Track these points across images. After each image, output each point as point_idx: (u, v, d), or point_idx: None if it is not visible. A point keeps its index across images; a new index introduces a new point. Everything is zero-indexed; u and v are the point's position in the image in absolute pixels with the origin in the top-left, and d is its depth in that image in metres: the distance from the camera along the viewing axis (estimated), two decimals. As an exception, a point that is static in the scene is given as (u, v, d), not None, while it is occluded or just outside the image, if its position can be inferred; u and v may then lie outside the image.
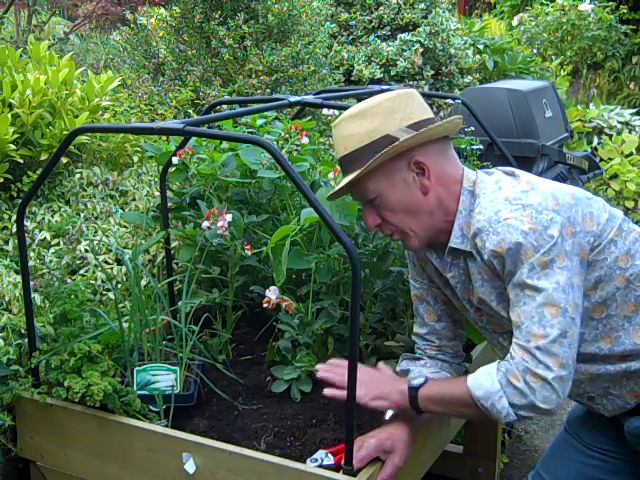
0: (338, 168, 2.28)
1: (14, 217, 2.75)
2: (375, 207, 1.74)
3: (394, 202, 1.72)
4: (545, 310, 1.59)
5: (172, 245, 2.65)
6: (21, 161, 2.86)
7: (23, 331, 2.18)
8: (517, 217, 1.61)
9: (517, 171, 1.78)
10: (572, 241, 1.63)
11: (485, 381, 1.64)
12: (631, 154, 5.43)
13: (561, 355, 1.58)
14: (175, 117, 3.98)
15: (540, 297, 1.59)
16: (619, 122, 6.12)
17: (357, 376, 1.75)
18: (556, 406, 1.59)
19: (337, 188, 1.78)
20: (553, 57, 8.24)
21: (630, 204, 5.09)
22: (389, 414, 1.91)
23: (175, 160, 2.47)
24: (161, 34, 4.81)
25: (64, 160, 3.08)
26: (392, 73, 5.76)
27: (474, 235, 1.68)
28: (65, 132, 2.92)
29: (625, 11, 9.14)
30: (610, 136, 5.84)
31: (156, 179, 3.17)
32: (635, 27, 9.57)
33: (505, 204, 1.65)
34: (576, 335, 1.62)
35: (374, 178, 1.70)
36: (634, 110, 6.63)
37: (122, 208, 3.08)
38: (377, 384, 1.82)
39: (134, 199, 3.15)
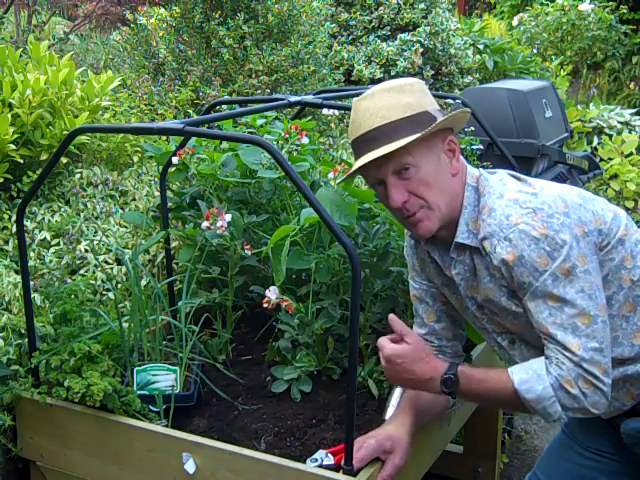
0: (338, 168, 2.29)
1: (14, 217, 2.75)
2: (405, 181, 1.68)
3: (430, 176, 1.68)
4: (577, 320, 1.59)
5: (172, 245, 2.65)
6: (21, 161, 2.86)
7: (23, 331, 2.18)
8: (528, 222, 1.60)
9: (521, 175, 1.78)
10: (587, 240, 1.63)
11: (536, 385, 1.62)
12: (631, 154, 5.43)
13: (603, 362, 1.60)
14: (175, 117, 3.99)
15: (569, 308, 1.59)
16: (619, 122, 6.12)
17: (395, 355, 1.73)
18: (603, 409, 1.62)
19: (374, 156, 1.65)
20: (553, 57, 8.24)
21: (630, 204, 5.09)
22: (389, 414, 1.91)
23: (175, 160, 2.47)
24: (161, 34, 4.81)
25: (64, 160, 3.08)
26: (392, 73, 5.76)
27: (483, 238, 1.67)
28: (65, 132, 2.92)
29: (625, 11, 9.14)
30: (610, 136, 5.83)
31: (156, 179, 3.17)
32: (635, 27, 9.57)
33: (515, 207, 1.64)
34: (609, 338, 1.63)
35: (416, 149, 1.66)
36: (634, 110, 6.63)
37: (122, 208, 3.08)
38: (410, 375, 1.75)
39: (134, 199, 3.15)
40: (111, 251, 2.76)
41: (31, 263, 2.59)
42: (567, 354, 1.60)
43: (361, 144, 1.69)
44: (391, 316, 1.82)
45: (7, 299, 2.38)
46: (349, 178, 1.85)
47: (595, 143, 5.97)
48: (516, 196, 1.67)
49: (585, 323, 1.59)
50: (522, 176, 1.78)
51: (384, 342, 1.77)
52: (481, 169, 1.81)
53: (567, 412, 1.62)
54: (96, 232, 2.83)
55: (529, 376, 1.64)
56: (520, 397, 1.63)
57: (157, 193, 3.02)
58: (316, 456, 1.78)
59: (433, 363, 1.74)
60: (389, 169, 1.68)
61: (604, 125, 6.07)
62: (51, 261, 2.65)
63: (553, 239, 1.59)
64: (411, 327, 2.06)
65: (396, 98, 1.68)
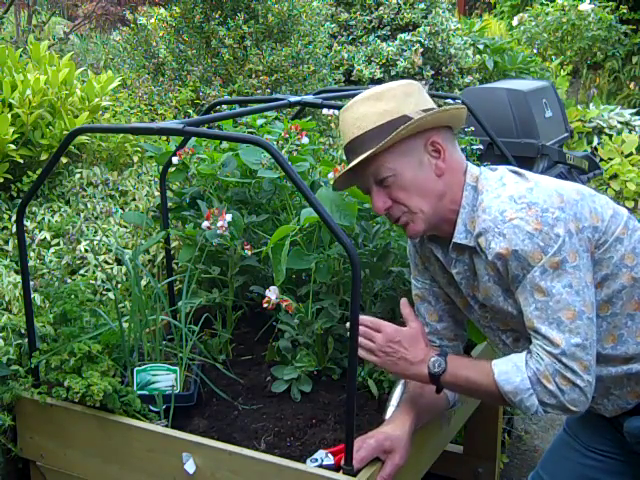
0: (338, 168, 2.29)
1: (14, 217, 2.75)
2: (386, 188, 1.71)
3: (409, 181, 1.69)
4: (562, 315, 1.59)
5: (172, 245, 2.65)
6: (21, 161, 2.86)
7: (23, 331, 2.18)
8: (522, 217, 1.61)
9: (521, 170, 1.78)
10: (580, 237, 1.63)
11: (514, 376, 1.63)
12: (631, 154, 5.44)
13: (585, 359, 1.59)
14: (175, 117, 3.98)
15: (554, 302, 1.59)
16: (619, 122, 6.12)
17: (379, 341, 1.77)
18: (583, 408, 1.61)
19: (349, 167, 1.70)
20: (553, 57, 8.25)
21: (630, 204, 5.10)
22: (389, 414, 1.91)
23: (175, 160, 2.47)
24: (161, 34, 4.81)
25: (64, 160, 3.08)
26: (392, 73, 5.76)
27: (478, 234, 1.68)
28: (65, 132, 2.92)
29: (625, 11, 9.14)
30: (610, 136, 5.84)
31: (156, 179, 3.17)
32: (635, 27, 9.57)
33: (510, 203, 1.64)
34: (594, 335, 1.62)
35: (391, 156, 1.68)
36: (634, 110, 6.64)
37: (122, 208, 3.08)
38: (397, 358, 1.77)
39: (134, 199, 3.15)
40: (111, 251, 2.76)
41: (31, 263, 2.58)
42: (548, 348, 1.59)
43: (346, 154, 1.76)
44: (403, 300, 1.87)
45: (7, 299, 2.38)
46: (341, 189, 1.90)
47: (595, 143, 5.97)
48: (511, 192, 1.67)
49: (570, 318, 1.59)
50: (522, 171, 1.78)
51: (385, 323, 1.80)
52: (482, 167, 1.81)
53: (545, 408, 1.62)
54: (96, 232, 2.83)
55: (508, 368, 1.65)
56: (499, 388, 1.64)
57: (157, 193, 3.02)
58: (316, 456, 1.78)
59: (427, 348, 1.78)
60: (370, 179, 1.73)
61: (604, 125, 6.08)
62: (51, 261, 2.65)
63: (547, 234, 1.59)
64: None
65: (372, 106, 1.70)
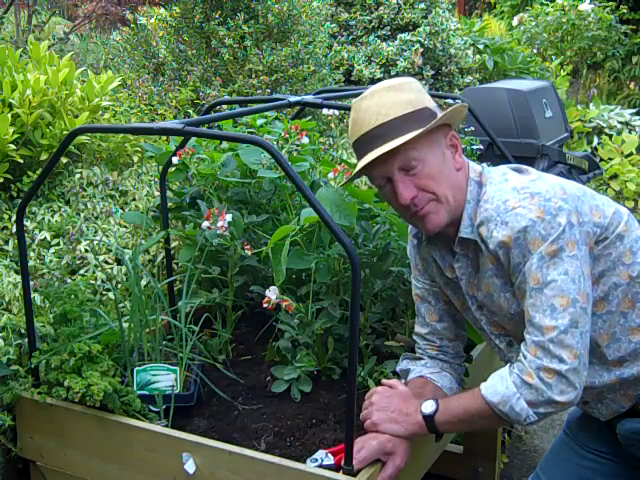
0: (338, 168, 2.29)
1: (14, 217, 2.75)
2: (412, 177, 1.68)
3: (436, 170, 1.69)
4: (555, 302, 1.58)
5: (172, 245, 2.65)
6: (21, 161, 2.86)
7: (23, 331, 2.18)
8: (525, 206, 1.61)
9: (524, 167, 1.79)
10: (580, 230, 1.63)
11: (499, 386, 1.63)
12: (631, 154, 5.44)
13: (574, 346, 1.58)
14: (175, 117, 3.99)
15: (549, 289, 1.58)
16: (619, 122, 6.13)
17: (372, 400, 1.82)
18: (575, 398, 1.59)
19: (382, 150, 1.65)
20: (553, 57, 8.25)
21: (630, 204, 5.10)
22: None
23: (175, 160, 2.47)
24: (161, 34, 4.82)
25: (64, 160, 3.09)
26: (392, 73, 5.76)
27: (480, 224, 1.68)
28: (65, 132, 2.92)
29: (625, 11, 9.14)
30: (610, 136, 5.84)
31: (156, 179, 3.18)
32: (635, 27, 9.58)
33: (513, 193, 1.65)
34: (588, 325, 1.61)
35: (420, 144, 1.67)
36: (634, 110, 6.64)
37: (122, 208, 3.08)
38: (391, 411, 1.80)
39: (134, 199, 3.15)
40: (111, 251, 2.76)
41: (31, 263, 2.59)
42: (537, 338, 1.59)
43: (364, 143, 1.69)
44: (383, 381, 1.95)
45: (7, 299, 2.38)
46: (354, 179, 1.84)
47: (595, 143, 5.98)
48: (514, 184, 1.68)
49: (563, 305, 1.58)
50: (524, 167, 1.78)
51: (377, 388, 1.89)
52: (484, 164, 1.82)
53: (536, 409, 1.60)
54: (96, 232, 2.83)
55: (494, 381, 1.66)
56: (489, 403, 1.64)
57: (157, 193, 3.02)
58: (316, 456, 1.78)
59: (417, 402, 1.80)
60: (395, 165, 1.68)
61: (604, 125, 6.08)
62: (51, 261, 2.65)
63: (549, 222, 1.59)
64: (411, 327, 2.06)
65: (396, 96, 1.69)
